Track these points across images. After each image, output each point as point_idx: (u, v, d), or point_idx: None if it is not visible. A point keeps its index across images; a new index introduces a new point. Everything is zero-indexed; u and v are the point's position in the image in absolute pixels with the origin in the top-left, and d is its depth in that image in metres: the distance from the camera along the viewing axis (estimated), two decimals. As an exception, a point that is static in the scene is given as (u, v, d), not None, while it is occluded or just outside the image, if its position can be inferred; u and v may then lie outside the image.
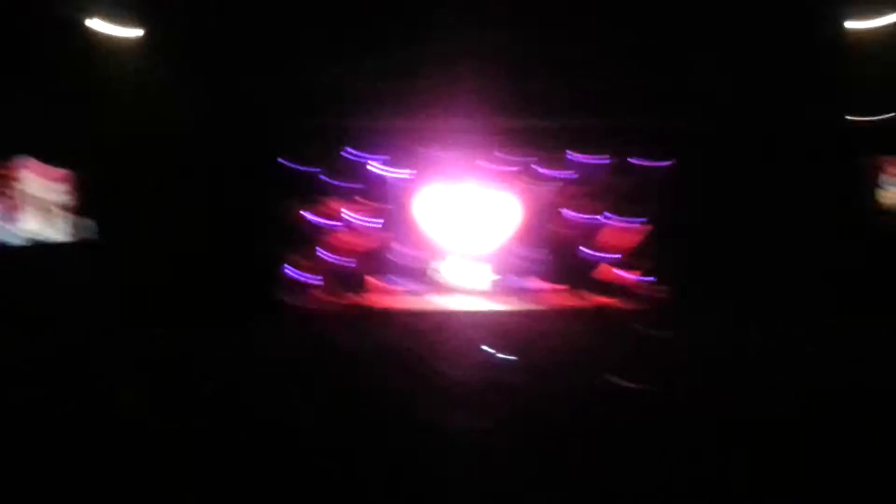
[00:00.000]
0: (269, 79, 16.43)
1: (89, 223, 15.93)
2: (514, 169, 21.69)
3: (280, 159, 19.48)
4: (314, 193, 21.68)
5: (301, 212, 21.24)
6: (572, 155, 20.95)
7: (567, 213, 22.43)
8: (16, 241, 15.04)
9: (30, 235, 15.23)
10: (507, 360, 10.09)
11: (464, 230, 22.51)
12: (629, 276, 21.56)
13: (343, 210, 22.52)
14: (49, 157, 15.42)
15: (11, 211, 15.08)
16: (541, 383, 8.08)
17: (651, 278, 20.83)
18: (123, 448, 5.84)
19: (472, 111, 17.18)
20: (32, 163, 15.33)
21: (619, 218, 22.01)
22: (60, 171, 15.70)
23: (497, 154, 20.98)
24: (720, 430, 6.34)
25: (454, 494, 5.19)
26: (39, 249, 15.25)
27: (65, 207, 15.69)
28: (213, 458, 5.65)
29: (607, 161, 21.11)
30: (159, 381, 8.26)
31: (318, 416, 6.77)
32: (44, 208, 15.39)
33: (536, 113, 17.56)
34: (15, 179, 15.10)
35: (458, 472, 5.47)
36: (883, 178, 16.59)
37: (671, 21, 15.03)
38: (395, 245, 22.60)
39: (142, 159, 15.88)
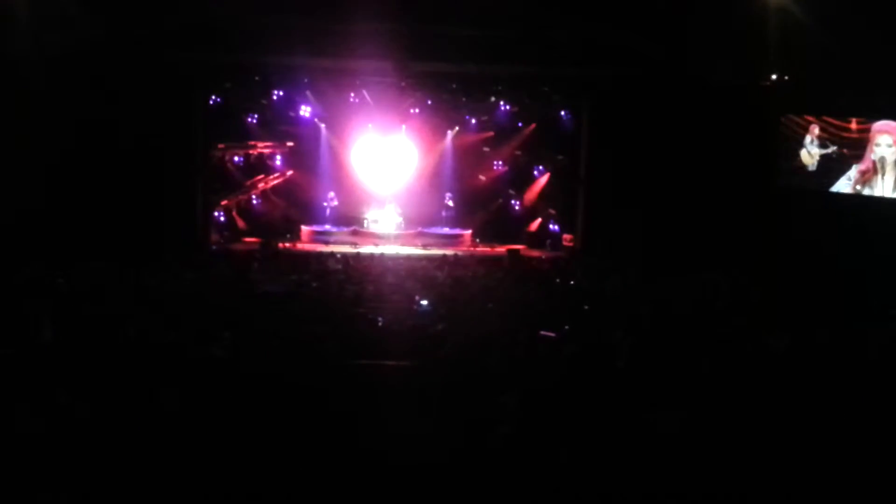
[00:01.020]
0: (189, 13, 15.97)
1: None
2: (432, 115, 21.82)
3: (209, 94, 19.26)
4: (239, 134, 21.45)
5: (226, 152, 21.01)
6: (487, 103, 21.16)
7: (480, 160, 22.71)
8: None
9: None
10: (426, 305, 10.17)
11: (386, 176, 22.54)
12: (541, 223, 21.97)
13: (268, 152, 22.37)
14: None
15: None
16: (459, 328, 8.13)
17: (561, 226, 21.29)
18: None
19: (392, 54, 17.00)
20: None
21: (529, 167, 22.41)
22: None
23: (417, 99, 21.08)
24: (630, 379, 6.44)
25: (368, 433, 5.20)
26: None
27: None
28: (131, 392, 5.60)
29: (517, 109, 21.41)
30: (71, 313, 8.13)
31: (237, 352, 6.75)
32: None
33: (456, 58, 17.33)
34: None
35: (373, 411, 5.49)
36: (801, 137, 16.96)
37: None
38: (319, 189, 22.51)
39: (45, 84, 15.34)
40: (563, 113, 20.66)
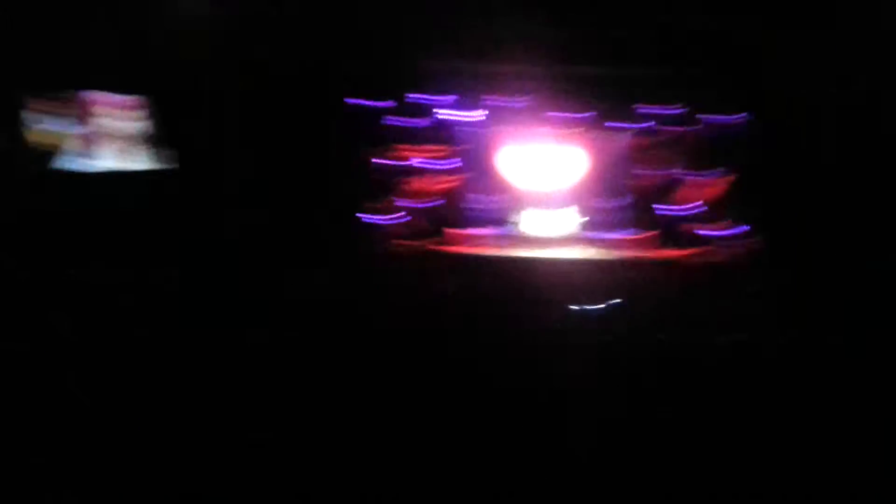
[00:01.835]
0: (332, 18, 16.21)
1: (160, 152, 16.05)
2: (589, 116, 21.45)
3: (349, 100, 19.53)
4: (385, 137, 21.73)
5: (373, 156, 21.28)
6: (646, 108, 20.69)
7: (647, 163, 22.16)
8: (88, 170, 15.24)
9: (103, 165, 15.37)
10: (589, 310, 9.94)
11: (541, 178, 22.24)
12: (713, 228, 21.20)
13: (415, 154, 22.49)
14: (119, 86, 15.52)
15: (88, 143, 15.26)
16: (624, 336, 7.89)
17: (735, 231, 20.49)
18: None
19: (543, 56, 16.82)
20: (102, 94, 15.45)
21: (698, 171, 21.71)
22: (130, 100, 15.67)
23: (571, 100, 20.74)
24: (810, 388, 6.12)
25: (533, 443, 5.08)
26: (111, 178, 15.39)
27: (136, 137, 15.78)
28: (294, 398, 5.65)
29: (684, 111, 20.81)
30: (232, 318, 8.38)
31: (394, 360, 6.75)
32: (116, 138, 15.48)
33: (612, 60, 17.01)
34: (89, 112, 15.26)
35: (537, 420, 5.37)
36: None
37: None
38: (470, 191, 22.49)
39: (211, 93, 15.77)
40: (742, 114, 19.97)
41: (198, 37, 14.59)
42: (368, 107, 19.83)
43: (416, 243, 19.68)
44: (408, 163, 22.11)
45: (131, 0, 13.92)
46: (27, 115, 14.76)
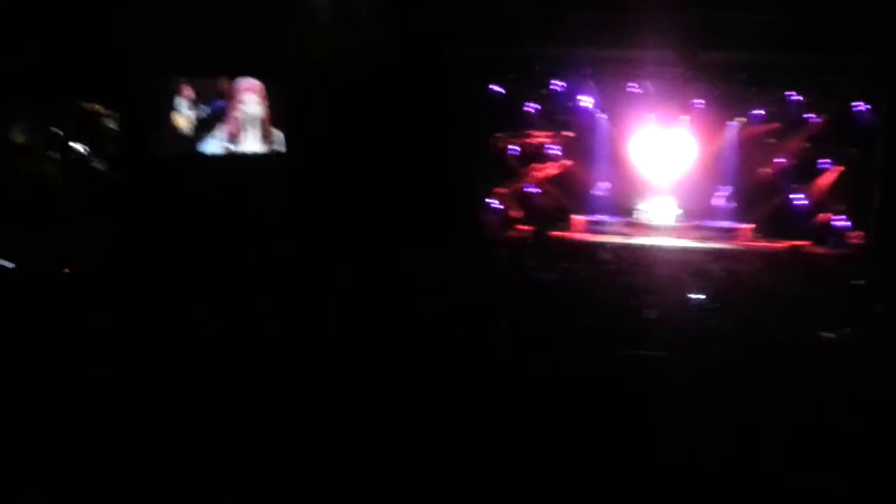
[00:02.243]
0: (465, 5, 16.37)
1: (288, 137, 16.61)
2: (715, 105, 21.20)
3: (487, 86, 19.82)
4: (517, 123, 21.91)
5: (503, 141, 21.55)
6: (765, 96, 20.32)
7: (765, 153, 21.82)
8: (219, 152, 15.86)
9: (234, 147, 16.02)
10: (701, 299, 9.95)
11: (665, 167, 22.21)
12: (828, 219, 20.81)
13: (545, 142, 22.66)
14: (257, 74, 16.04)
15: (232, 127, 15.88)
16: (736, 327, 7.92)
17: (849, 222, 20.08)
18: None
19: (677, 43, 16.67)
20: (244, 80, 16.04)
21: (817, 160, 21.27)
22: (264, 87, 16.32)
23: (699, 90, 20.59)
24: None
25: (635, 425, 5.20)
26: (240, 160, 16.12)
27: (269, 121, 16.37)
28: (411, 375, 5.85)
29: (808, 100, 20.39)
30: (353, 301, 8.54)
31: (506, 343, 6.90)
32: (252, 123, 16.08)
33: (746, 46, 16.71)
34: (235, 97, 15.88)
35: (642, 403, 5.47)
36: None
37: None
38: (594, 179, 22.59)
39: (339, 80, 16.17)
40: (858, 104, 19.44)
41: (333, 28, 14.94)
42: (497, 92, 20.26)
43: (538, 229, 19.95)
44: (534, 148, 22.40)
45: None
46: (173, 100, 15.54)
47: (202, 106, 15.62)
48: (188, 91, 15.51)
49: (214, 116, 15.77)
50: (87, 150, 15.57)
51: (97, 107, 15.78)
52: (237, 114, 15.88)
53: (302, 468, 4.81)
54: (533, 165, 22.23)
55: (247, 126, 16.01)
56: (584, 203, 22.08)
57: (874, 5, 15.28)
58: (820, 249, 18.98)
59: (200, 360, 5.91)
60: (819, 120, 20.60)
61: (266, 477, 4.75)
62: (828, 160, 20.86)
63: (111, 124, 15.78)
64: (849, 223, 20.02)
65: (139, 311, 7.45)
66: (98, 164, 15.73)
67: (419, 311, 7.99)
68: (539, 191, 22.47)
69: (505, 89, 20.10)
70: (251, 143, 16.12)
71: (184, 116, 15.51)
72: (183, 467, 4.78)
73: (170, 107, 15.41)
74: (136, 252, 11.84)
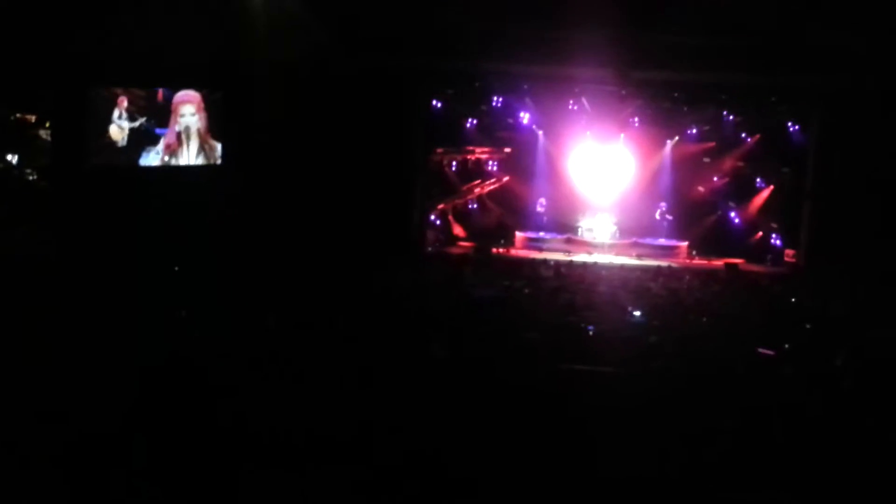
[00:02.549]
0: (406, 17, 16.33)
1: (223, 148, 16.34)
2: (651, 123, 21.46)
3: (428, 101, 19.83)
4: (457, 139, 21.89)
5: (443, 157, 21.51)
6: (709, 112, 20.60)
7: (700, 171, 22.11)
8: (155, 164, 15.58)
9: (168, 159, 15.72)
10: (639, 316, 10.03)
11: (602, 185, 22.37)
12: (762, 237, 21.12)
13: (485, 158, 22.72)
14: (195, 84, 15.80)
15: (170, 139, 15.60)
16: (675, 343, 7.97)
17: (783, 241, 20.38)
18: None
19: (614, 61, 16.80)
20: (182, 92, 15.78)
21: (751, 179, 21.60)
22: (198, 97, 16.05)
23: (637, 108, 20.83)
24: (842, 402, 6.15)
25: (578, 439, 5.18)
26: (173, 172, 15.75)
27: (207, 133, 16.08)
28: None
29: (741, 119, 20.72)
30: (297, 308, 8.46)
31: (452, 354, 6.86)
32: (190, 135, 15.81)
33: (680, 66, 16.90)
34: (173, 109, 15.61)
35: (583, 417, 5.45)
36: None
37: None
38: (534, 196, 22.65)
39: (277, 90, 15.92)
40: (790, 124, 19.82)
41: (273, 37, 14.77)
42: (436, 107, 20.24)
43: (479, 245, 19.97)
44: (474, 164, 22.42)
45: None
46: (105, 111, 15.19)
47: (138, 117, 15.33)
48: (123, 102, 15.22)
49: (151, 128, 15.49)
50: (17, 159, 15.24)
51: (28, 116, 15.45)
52: (175, 126, 15.63)
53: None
54: (473, 182, 22.28)
55: (185, 138, 15.76)
56: (525, 220, 22.18)
57: (803, 31, 15.57)
58: (755, 267, 19.28)
59: (112, 370, 5.79)
60: (752, 139, 20.97)
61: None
62: (761, 179, 21.24)
63: (43, 134, 15.46)
64: (781, 241, 20.38)
65: (63, 318, 7.32)
66: (28, 174, 15.40)
67: (357, 324, 7.92)
68: (479, 207, 22.54)
69: (445, 104, 20.10)
70: (189, 156, 15.87)
71: (118, 128, 15.20)
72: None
73: (104, 118, 15.10)
74: (65, 261, 11.61)
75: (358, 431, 5.08)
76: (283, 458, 4.80)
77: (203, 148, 15.95)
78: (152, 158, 15.54)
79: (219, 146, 16.10)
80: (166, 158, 15.67)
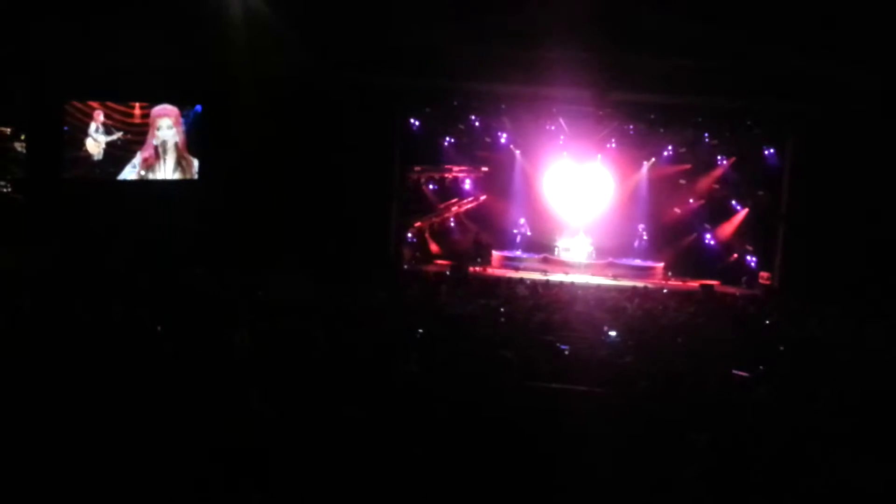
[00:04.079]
0: (384, 35, 16.36)
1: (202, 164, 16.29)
2: (628, 145, 21.56)
3: (405, 118, 19.86)
4: (434, 158, 21.91)
5: (420, 175, 21.53)
6: (686, 134, 20.71)
7: (679, 192, 22.23)
8: (131, 178, 15.48)
9: (144, 174, 15.63)
10: (615, 336, 10.01)
11: (579, 205, 22.45)
12: (737, 259, 21.23)
13: (462, 177, 22.74)
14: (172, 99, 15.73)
15: (147, 153, 15.53)
16: (650, 364, 7.96)
17: (758, 263, 20.48)
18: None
19: (591, 83, 16.88)
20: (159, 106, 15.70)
21: (726, 201, 21.73)
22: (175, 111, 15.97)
23: (613, 129, 20.93)
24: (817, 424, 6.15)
25: (550, 459, 5.16)
26: (149, 186, 15.65)
27: (184, 148, 16.00)
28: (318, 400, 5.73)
29: (717, 142, 20.86)
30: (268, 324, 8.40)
31: (421, 367, 6.83)
32: (167, 149, 15.76)
33: (657, 88, 17.02)
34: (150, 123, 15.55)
35: (556, 437, 5.43)
36: None
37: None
38: (511, 215, 22.70)
39: (255, 106, 15.87)
40: (766, 148, 19.96)
41: (252, 53, 14.74)
42: (414, 125, 20.27)
43: (456, 263, 19.95)
44: (451, 183, 22.45)
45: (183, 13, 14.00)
46: (81, 124, 15.11)
47: (114, 131, 15.26)
48: (100, 116, 15.14)
49: (127, 142, 15.41)
50: None
51: (3, 129, 15.34)
52: (152, 139, 15.57)
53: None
54: (450, 200, 22.30)
55: (162, 152, 15.69)
56: (502, 239, 22.22)
57: (778, 55, 15.70)
58: (730, 289, 19.35)
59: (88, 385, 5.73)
60: (728, 162, 21.11)
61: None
62: (736, 201, 21.37)
63: (18, 147, 15.35)
64: (756, 264, 20.48)
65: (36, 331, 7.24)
66: (3, 187, 15.27)
67: (332, 342, 7.85)
68: (456, 225, 22.55)
69: (422, 123, 20.12)
70: (166, 170, 15.79)
71: (95, 141, 15.13)
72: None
73: (80, 131, 15.02)
74: (40, 275, 11.50)
75: (333, 446, 5.04)
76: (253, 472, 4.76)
77: (180, 163, 15.88)
78: (128, 172, 15.45)
79: (196, 161, 16.04)
80: (143, 173, 15.60)
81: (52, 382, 5.73)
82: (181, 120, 15.87)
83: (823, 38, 14.80)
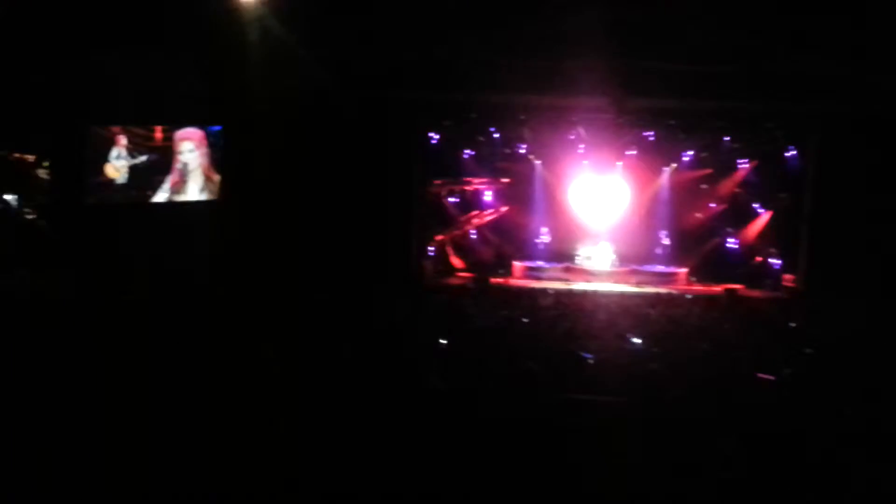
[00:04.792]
0: (401, 50, 16.43)
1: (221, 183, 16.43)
2: (649, 151, 21.52)
3: (425, 132, 19.97)
4: (454, 170, 21.97)
5: (441, 188, 21.59)
6: (706, 139, 20.66)
7: (698, 197, 22.17)
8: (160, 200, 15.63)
9: (173, 196, 15.78)
10: (639, 343, 9.99)
11: (600, 213, 22.44)
12: (761, 262, 21.13)
13: (482, 189, 22.77)
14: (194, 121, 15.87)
15: (174, 177, 15.70)
16: (676, 371, 7.93)
17: (782, 266, 20.39)
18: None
19: (609, 90, 16.89)
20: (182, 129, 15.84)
21: (749, 204, 21.64)
22: (199, 133, 16.12)
23: (633, 137, 20.93)
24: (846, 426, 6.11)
25: (579, 469, 5.16)
26: (173, 208, 15.85)
27: (209, 169, 16.17)
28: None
29: (738, 146, 20.80)
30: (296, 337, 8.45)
31: (446, 382, 6.84)
32: (191, 172, 15.91)
33: (676, 93, 16.98)
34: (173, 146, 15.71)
35: (585, 447, 5.43)
36: None
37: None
38: (532, 225, 22.72)
39: (274, 127, 15.89)
40: (788, 150, 19.89)
41: (270, 71, 14.80)
42: (434, 138, 20.39)
43: (478, 275, 19.97)
44: (472, 195, 22.49)
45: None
46: (104, 149, 15.24)
47: (137, 155, 15.41)
48: (122, 140, 15.30)
49: (150, 165, 15.56)
50: (17, 199, 15.26)
51: (27, 156, 15.50)
52: (177, 164, 15.72)
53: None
54: (471, 213, 22.33)
55: (186, 174, 15.84)
56: (524, 249, 22.23)
57: (798, 55, 15.64)
58: (754, 293, 19.27)
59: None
60: (749, 165, 21.04)
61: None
62: (759, 204, 21.28)
63: (41, 174, 15.51)
64: (780, 266, 20.38)
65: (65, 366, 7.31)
66: (27, 214, 15.43)
67: (358, 356, 7.89)
68: (478, 237, 22.57)
69: (442, 136, 20.19)
70: (193, 192, 15.95)
71: (114, 167, 15.28)
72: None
73: (103, 156, 15.17)
74: (67, 301, 11.60)
75: (356, 463, 5.08)
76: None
77: (206, 184, 16.04)
78: (160, 196, 15.66)
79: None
80: (172, 196, 15.80)
81: (76, 407, 5.82)
82: (205, 141, 16.02)
83: (844, 39, 14.73)
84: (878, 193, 16.96)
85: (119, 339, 8.14)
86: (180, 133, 15.78)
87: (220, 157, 16.22)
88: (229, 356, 7.55)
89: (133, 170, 15.47)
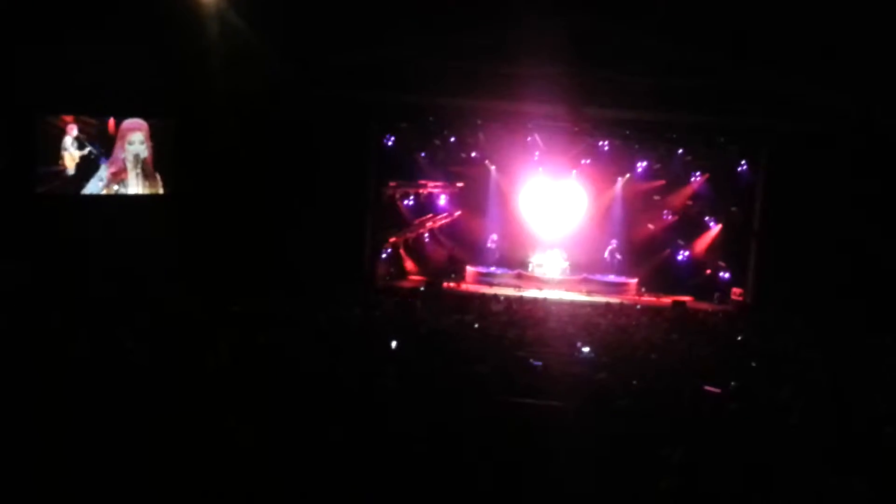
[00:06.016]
0: (359, 51, 16.37)
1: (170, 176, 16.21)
2: (603, 161, 21.64)
3: (381, 134, 19.88)
4: (409, 173, 21.87)
5: (395, 190, 21.49)
6: (660, 151, 20.82)
7: (653, 208, 22.30)
8: (99, 193, 15.34)
9: (115, 187, 15.50)
10: (588, 352, 10.03)
11: (553, 221, 22.48)
12: (711, 275, 21.31)
13: (437, 192, 22.70)
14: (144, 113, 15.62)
15: (116, 167, 15.39)
16: (623, 380, 7.98)
17: (731, 279, 20.59)
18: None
19: (566, 99, 16.98)
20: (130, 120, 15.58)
21: (700, 217, 21.83)
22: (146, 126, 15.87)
23: (588, 145, 21.03)
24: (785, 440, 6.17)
25: (527, 474, 5.15)
26: (117, 201, 15.55)
27: (152, 162, 15.90)
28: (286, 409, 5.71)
29: (691, 158, 20.99)
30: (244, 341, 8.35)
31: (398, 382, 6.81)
32: (137, 164, 15.64)
33: (631, 104, 17.13)
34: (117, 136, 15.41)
35: (532, 452, 5.42)
36: None
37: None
38: (485, 231, 22.69)
39: (228, 122, 15.65)
40: (739, 164, 20.12)
41: (225, 67, 14.64)
42: (389, 140, 20.29)
43: (430, 279, 19.91)
44: (426, 198, 22.41)
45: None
46: (56, 138, 14.93)
47: (87, 145, 15.13)
48: (73, 130, 15.02)
49: (97, 156, 15.28)
50: None
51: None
52: (121, 153, 15.45)
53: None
54: (425, 216, 22.28)
55: (132, 166, 15.58)
56: (476, 254, 22.21)
57: (751, 72, 15.87)
58: (703, 305, 19.44)
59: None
60: (702, 178, 21.23)
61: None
62: (710, 217, 21.49)
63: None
64: (729, 279, 20.59)
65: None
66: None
67: (308, 358, 7.83)
68: (431, 241, 22.52)
69: (397, 138, 20.14)
70: (136, 184, 15.69)
71: (68, 155, 14.99)
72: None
73: (54, 145, 14.89)
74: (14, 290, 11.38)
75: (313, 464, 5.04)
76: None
77: (148, 177, 15.80)
78: (95, 186, 15.33)
79: (159, 176, 15.98)
80: (114, 187, 15.49)
81: (27, 397, 5.70)
82: (150, 134, 15.75)
83: (796, 57, 14.97)
84: (826, 209, 17.19)
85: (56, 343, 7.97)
86: (128, 123, 15.50)
87: (170, 151, 15.98)
88: (174, 357, 7.45)
89: (83, 160, 15.18)
